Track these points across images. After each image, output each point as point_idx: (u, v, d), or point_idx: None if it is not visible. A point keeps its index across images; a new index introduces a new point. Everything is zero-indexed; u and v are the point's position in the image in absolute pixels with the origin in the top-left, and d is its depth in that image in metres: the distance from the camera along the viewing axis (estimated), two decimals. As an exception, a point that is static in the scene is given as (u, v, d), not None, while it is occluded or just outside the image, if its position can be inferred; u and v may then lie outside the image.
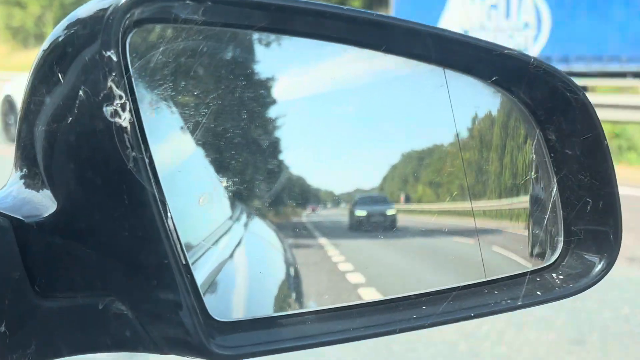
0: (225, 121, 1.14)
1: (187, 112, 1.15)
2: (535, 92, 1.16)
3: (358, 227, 1.59)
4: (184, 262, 0.85)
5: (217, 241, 1.38)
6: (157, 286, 0.81)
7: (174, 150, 1.20)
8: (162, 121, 1.08)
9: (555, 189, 1.27)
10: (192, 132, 1.17)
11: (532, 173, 1.41)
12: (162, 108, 1.07)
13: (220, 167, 1.29)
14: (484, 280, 1.16)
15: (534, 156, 1.34)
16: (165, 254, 0.82)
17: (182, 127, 1.21)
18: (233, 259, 1.38)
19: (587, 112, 1.13)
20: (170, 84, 1.04)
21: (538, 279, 1.19)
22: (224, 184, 1.32)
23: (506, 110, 1.44)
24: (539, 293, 1.14)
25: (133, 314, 0.83)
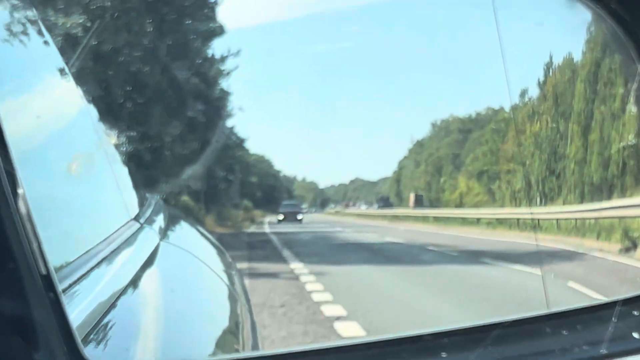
0: (117, 35, 1.08)
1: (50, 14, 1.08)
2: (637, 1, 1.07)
3: None
4: (43, 272, 0.82)
5: (113, 252, 1.34)
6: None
7: (28, 79, 1.14)
8: (5, 23, 1.04)
9: None
10: (61, 51, 1.07)
11: (631, 137, 1.35)
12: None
13: (108, 110, 1.22)
14: (546, 312, 1.12)
15: (635, 108, 1.29)
16: (9, 249, 0.78)
17: (43, 39, 1.13)
18: (139, 284, 1.35)
19: None
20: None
21: (636, 313, 1.15)
22: (113, 139, 1.25)
23: (593, 44, 1.33)
24: (636, 336, 1.10)
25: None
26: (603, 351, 1.06)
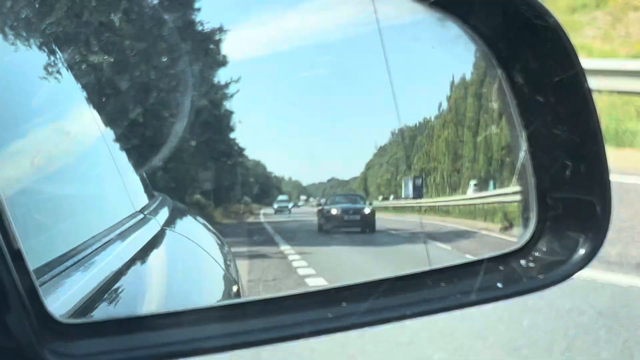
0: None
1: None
2: (492, 18, 1.23)
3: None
4: (15, 247, 0.89)
5: (119, 236, 1.49)
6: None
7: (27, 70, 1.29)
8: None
9: (524, 149, 1.34)
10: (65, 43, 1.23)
11: (494, 127, 1.52)
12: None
13: (98, 99, 1.34)
14: (427, 269, 1.26)
15: (495, 105, 1.43)
16: None
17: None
18: (137, 263, 1.53)
19: (561, 45, 1.22)
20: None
21: (501, 267, 1.29)
22: (123, 144, 1.47)
23: (478, 64, 1.51)
24: (499, 285, 1.25)
25: None
26: (473, 298, 1.20)
